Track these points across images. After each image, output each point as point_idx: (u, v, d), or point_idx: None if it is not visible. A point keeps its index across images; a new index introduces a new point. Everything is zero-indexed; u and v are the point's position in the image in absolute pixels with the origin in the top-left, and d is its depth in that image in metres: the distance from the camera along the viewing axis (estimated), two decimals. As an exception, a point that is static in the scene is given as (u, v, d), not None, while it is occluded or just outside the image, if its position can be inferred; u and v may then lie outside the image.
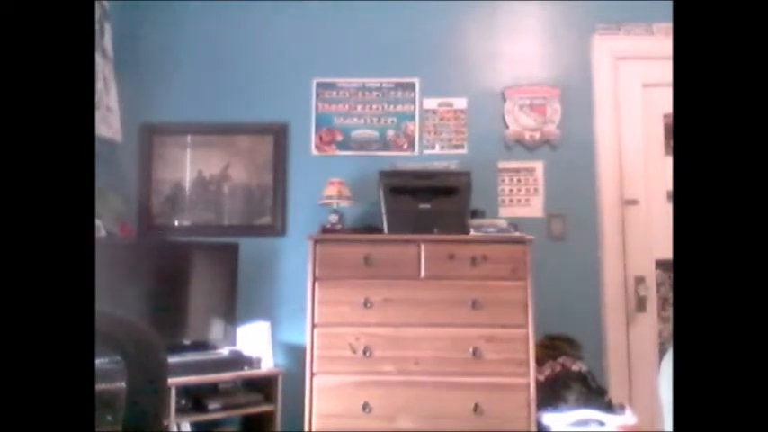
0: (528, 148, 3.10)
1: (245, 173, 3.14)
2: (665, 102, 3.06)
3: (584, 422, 2.44)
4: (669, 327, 3.09)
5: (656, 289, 3.06)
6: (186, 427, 2.55)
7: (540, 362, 2.60)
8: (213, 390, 2.59)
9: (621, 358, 2.97)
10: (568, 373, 2.60)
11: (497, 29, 3.20)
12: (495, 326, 2.51)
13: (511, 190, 3.09)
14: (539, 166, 3.10)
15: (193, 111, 3.15)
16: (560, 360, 2.65)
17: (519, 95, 3.13)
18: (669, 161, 3.11)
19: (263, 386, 2.69)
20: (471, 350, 2.49)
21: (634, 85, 3.15)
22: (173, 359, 2.49)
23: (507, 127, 3.12)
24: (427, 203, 2.64)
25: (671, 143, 3.16)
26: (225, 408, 2.54)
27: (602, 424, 2.43)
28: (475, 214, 2.77)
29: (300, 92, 3.16)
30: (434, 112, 3.14)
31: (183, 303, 2.74)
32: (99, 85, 2.84)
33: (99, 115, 2.82)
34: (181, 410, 2.45)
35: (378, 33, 3.18)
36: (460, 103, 3.14)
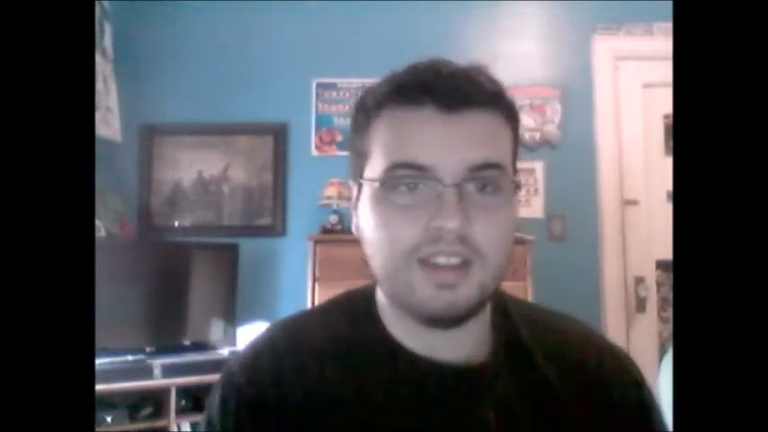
0: (528, 148, 3.10)
1: (245, 173, 3.13)
2: (665, 102, 3.06)
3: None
4: (669, 327, 3.09)
5: (656, 289, 3.06)
6: (186, 427, 2.55)
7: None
8: (213, 390, 2.58)
9: (621, 358, 2.97)
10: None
11: (497, 29, 3.20)
12: (495, 326, 2.51)
13: (511, 190, 3.09)
14: (539, 167, 3.10)
15: (193, 111, 3.15)
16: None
17: (519, 96, 3.13)
18: (669, 161, 3.10)
19: (263, 386, 2.69)
20: (471, 350, 2.48)
21: (634, 85, 3.14)
22: (173, 359, 2.49)
23: (507, 127, 3.11)
24: (427, 204, 2.63)
25: (671, 143, 3.15)
26: (225, 408, 2.53)
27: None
28: (475, 214, 2.76)
29: (300, 92, 3.15)
30: (434, 112, 3.13)
31: (183, 304, 2.74)
32: (99, 85, 2.84)
33: (99, 115, 2.82)
34: (181, 411, 2.45)
35: (378, 33, 3.18)
36: (460, 103, 3.13)
